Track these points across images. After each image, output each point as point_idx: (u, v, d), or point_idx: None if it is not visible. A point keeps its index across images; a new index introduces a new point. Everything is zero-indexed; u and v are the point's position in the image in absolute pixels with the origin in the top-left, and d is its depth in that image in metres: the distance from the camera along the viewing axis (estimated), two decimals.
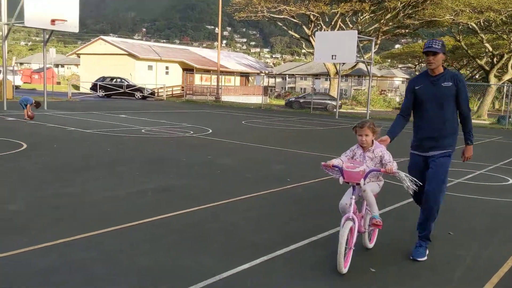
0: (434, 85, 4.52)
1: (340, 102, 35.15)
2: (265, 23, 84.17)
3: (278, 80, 76.29)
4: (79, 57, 49.11)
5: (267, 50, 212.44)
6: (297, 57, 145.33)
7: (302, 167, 9.27)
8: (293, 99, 36.92)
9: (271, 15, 41.70)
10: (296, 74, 70.94)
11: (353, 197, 4.15)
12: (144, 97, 36.23)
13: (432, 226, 4.63)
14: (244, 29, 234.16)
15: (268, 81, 65.96)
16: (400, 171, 4.20)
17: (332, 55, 24.64)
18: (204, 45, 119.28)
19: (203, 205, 6.04)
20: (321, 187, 7.55)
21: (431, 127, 4.57)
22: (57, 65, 74.42)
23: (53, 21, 19.65)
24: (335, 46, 24.23)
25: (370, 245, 4.65)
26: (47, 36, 21.25)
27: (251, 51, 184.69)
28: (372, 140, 4.36)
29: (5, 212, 5.35)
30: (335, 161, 4.22)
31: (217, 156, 10.12)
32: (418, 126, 4.70)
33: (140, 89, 36.53)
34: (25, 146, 10.20)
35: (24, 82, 47.63)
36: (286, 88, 74.12)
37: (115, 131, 13.73)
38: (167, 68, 46.30)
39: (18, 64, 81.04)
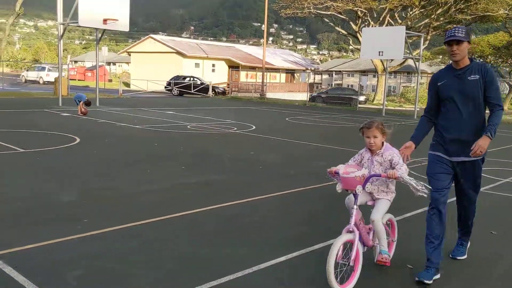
0: (460, 79, 3.95)
1: (364, 96, 34.66)
2: (312, 20, 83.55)
3: (325, 76, 75.67)
4: (129, 55, 50.65)
5: (314, 46, 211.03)
6: (344, 54, 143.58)
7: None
8: (316, 94, 37.28)
9: (318, 11, 41.47)
10: (342, 71, 70.07)
11: (355, 206, 3.68)
12: (216, 95, 37.28)
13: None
14: (290, 26, 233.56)
15: (314, 78, 65.59)
16: (404, 176, 3.67)
17: (379, 52, 24.24)
18: (250, 42, 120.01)
19: (243, 199, 6.19)
20: None
21: (458, 128, 3.97)
22: (109, 63, 77.01)
23: (105, 21, 20.39)
24: (382, 42, 23.82)
25: None
26: (99, 35, 22.09)
27: (298, 47, 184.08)
28: (382, 142, 3.95)
29: (59, 203, 5.71)
30: (341, 167, 3.81)
31: (260, 152, 10.26)
32: (442, 126, 4.10)
33: (213, 88, 37.48)
34: (78, 140, 10.72)
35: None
36: (333, 84, 73.36)
37: (163, 127, 14.15)
38: (213, 65, 47.03)
39: (73, 62, 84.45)
